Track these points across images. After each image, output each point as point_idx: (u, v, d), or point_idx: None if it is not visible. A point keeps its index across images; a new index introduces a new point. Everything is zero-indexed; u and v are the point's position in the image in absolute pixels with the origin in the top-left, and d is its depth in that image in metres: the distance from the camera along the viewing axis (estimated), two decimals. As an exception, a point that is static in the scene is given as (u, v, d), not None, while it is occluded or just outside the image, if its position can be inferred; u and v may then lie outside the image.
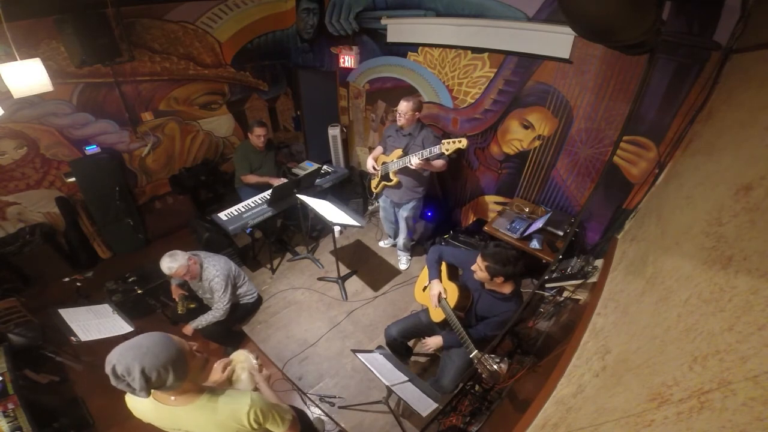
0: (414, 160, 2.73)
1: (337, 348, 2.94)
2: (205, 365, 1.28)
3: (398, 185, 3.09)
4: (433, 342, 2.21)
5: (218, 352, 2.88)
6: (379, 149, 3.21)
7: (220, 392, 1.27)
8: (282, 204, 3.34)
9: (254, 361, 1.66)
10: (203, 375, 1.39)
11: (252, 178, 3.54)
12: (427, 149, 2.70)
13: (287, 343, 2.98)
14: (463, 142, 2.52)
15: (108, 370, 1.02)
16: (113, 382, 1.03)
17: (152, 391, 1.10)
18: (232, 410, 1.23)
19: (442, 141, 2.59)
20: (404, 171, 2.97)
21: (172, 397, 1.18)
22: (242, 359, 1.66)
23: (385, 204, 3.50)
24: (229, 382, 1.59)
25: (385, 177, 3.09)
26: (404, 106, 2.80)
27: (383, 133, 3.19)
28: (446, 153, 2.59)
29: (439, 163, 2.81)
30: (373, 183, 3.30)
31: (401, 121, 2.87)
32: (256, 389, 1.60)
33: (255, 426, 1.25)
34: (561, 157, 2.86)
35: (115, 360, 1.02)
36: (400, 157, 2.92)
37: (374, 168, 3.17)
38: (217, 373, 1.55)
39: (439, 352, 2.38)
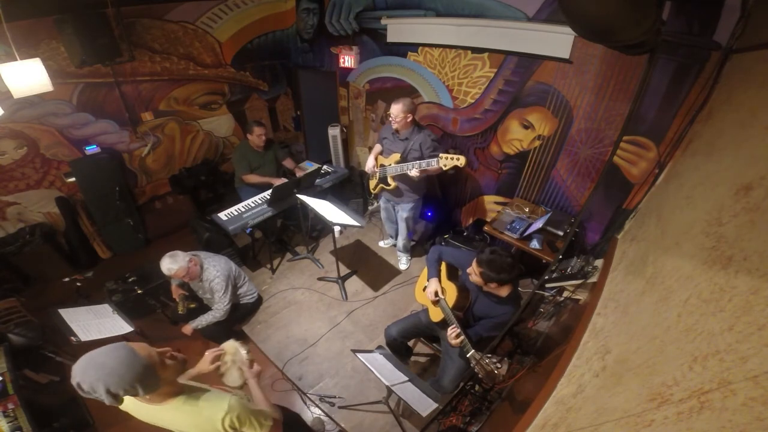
0: (413, 172, 2.72)
1: (337, 348, 2.93)
2: (184, 368, 1.26)
3: (396, 189, 3.08)
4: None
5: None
6: (378, 147, 3.17)
7: (199, 394, 1.26)
8: (282, 204, 3.34)
9: (245, 354, 1.58)
10: (186, 370, 1.35)
11: (253, 178, 3.54)
12: (425, 161, 2.69)
13: (287, 343, 2.98)
14: (461, 161, 2.52)
15: (74, 383, 1.01)
16: (81, 394, 1.03)
17: None
18: (207, 415, 1.23)
19: (440, 155, 2.57)
20: (401, 176, 2.96)
21: (147, 396, 1.17)
22: (232, 351, 1.58)
23: (386, 205, 3.50)
24: (218, 374, 1.55)
25: (383, 180, 3.08)
26: (395, 110, 2.75)
27: (379, 133, 3.16)
28: (444, 168, 2.60)
29: (434, 168, 2.73)
30: (371, 183, 3.29)
31: (395, 125, 2.84)
32: (245, 384, 1.56)
33: (230, 431, 1.25)
34: (561, 157, 2.86)
35: (79, 377, 1.01)
36: (398, 162, 2.90)
37: (374, 168, 3.15)
38: (205, 363, 1.53)
39: (440, 353, 2.38)
